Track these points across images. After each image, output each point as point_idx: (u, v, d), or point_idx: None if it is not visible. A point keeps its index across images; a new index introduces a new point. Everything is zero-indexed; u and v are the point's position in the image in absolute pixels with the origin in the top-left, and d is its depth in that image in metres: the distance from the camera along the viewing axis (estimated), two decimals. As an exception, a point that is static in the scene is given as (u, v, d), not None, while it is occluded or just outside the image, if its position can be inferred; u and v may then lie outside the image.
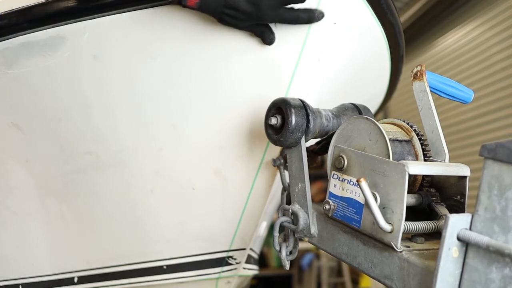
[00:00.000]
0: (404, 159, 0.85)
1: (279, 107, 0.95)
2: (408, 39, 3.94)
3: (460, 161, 0.86)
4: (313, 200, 0.94)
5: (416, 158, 0.87)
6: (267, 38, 1.00)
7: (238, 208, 1.20)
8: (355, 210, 0.81)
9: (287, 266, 0.98)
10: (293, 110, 0.92)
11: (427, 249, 0.75)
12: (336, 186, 0.86)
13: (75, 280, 1.30)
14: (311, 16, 0.99)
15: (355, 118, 0.88)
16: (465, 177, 0.82)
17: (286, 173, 1.04)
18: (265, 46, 1.02)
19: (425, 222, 0.79)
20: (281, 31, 1.01)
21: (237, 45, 1.04)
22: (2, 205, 1.27)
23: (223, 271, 1.27)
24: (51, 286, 1.31)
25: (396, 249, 0.73)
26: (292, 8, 0.98)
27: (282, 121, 0.94)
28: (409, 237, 0.81)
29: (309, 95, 1.05)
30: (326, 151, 0.94)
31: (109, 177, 1.19)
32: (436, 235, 0.81)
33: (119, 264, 1.29)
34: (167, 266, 1.26)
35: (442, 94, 0.95)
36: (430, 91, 0.91)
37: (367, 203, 0.73)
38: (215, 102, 1.06)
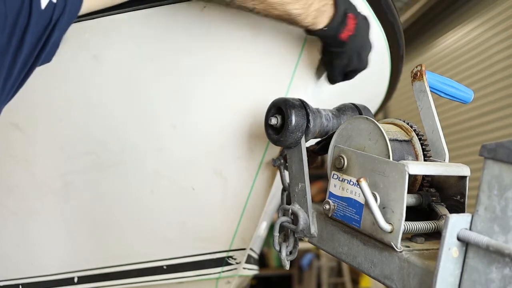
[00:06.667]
0: (404, 159, 0.85)
1: (279, 107, 0.95)
2: (408, 39, 3.94)
3: (460, 161, 0.86)
4: (313, 200, 0.94)
5: (416, 158, 0.87)
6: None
7: (238, 208, 1.20)
8: (355, 210, 0.81)
9: (287, 266, 0.98)
10: (293, 110, 0.92)
11: (427, 249, 0.75)
12: (336, 186, 0.86)
13: (75, 280, 1.30)
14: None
15: (355, 118, 0.88)
16: (465, 177, 0.82)
17: (286, 173, 1.04)
18: (265, 46, 1.01)
19: (425, 222, 0.79)
20: (280, 31, 1.00)
21: (238, 45, 1.04)
22: (2, 205, 1.27)
23: (223, 271, 1.26)
24: (51, 286, 1.30)
25: (396, 249, 0.73)
26: None
27: (282, 121, 0.94)
28: (409, 237, 0.81)
29: (309, 95, 1.05)
30: (326, 151, 0.94)
31: (109, 177, 1.19)
32: (436, 235, 0.81)
33: (119, 264, 1.28)
34: (167, 266, 1.26)
35: (442, 94, 0.95)
36: (430, 91, 0.91)
37: (367, 203, 0.73)
38: (215, 102, 1.06)
